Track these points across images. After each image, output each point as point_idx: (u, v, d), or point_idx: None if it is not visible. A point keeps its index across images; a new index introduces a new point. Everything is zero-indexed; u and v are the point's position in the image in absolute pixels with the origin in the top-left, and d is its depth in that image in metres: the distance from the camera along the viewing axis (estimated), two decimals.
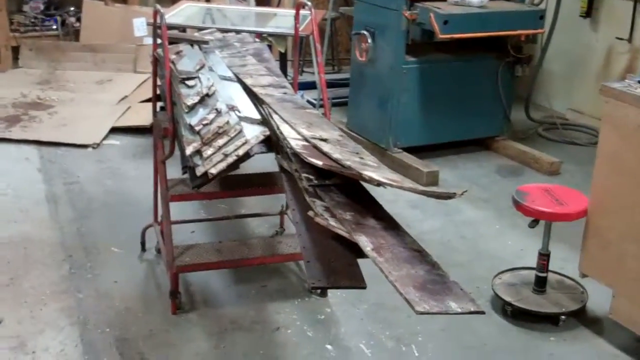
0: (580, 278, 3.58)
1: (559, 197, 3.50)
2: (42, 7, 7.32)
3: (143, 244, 4.03)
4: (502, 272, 3.81)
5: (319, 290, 3.60)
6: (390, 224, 2.28)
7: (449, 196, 2.18)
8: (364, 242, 2.12)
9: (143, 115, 5.72)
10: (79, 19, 7.26)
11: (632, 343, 3.34)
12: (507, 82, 5.55)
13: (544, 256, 3.58)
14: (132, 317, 3.47)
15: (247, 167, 3.49)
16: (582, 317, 3.55)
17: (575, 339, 3.42)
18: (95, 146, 5.46)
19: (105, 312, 3.49)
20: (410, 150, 5.32)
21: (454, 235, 4.36)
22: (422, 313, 1.81)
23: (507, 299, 3.57)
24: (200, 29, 4.49)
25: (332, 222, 2.27)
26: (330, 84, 6.48)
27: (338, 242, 2.27)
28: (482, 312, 1.88)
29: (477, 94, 5.48)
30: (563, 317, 3.49)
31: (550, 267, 3.64)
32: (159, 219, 3.78)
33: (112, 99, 6.26)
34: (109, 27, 7.03)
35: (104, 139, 5.58)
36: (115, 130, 5.72)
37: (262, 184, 3.67)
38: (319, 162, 2.49)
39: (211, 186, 3.42)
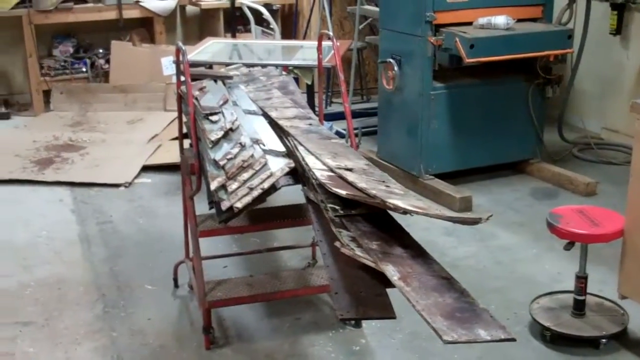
0: (619, 300, 3.49)
1: (594, 218, 3.43)
2: (71, 50, 7.45)
3: (175, 280, 4.03)
4: (540, 296, 3.74)
5: (352, 322, 3.56)
6: (417, 251, 2.24)
7: (474, 221, 2.14)
8: (391, 271, 2.09)
9: (173, 153, 5.74)
10: (108, 61, 7.36)
11: None
12: (538, 104, 5.48)
13: (582, 279, 3.50)
14: (166, 354, 3.45)
15: (276, 200, 3.48)
16: (623, 340, 3.45)
17: None
18: (127, 185, 5.49)
19: (139, 350, 3.48)
20: (442, 176, 5.26)
21: (489, 261, 4.29)
22: (450, 342, 1.76)
23: (546, 323, 3.49)
24: (226, 64, 4.51)
25: (359, 252, 2.23)
26: (360, 114, 6.50)
27: (366, 272, 2.23)
28: (513, 339, 1.82)
29: (508, 117, 5.42)
30: (604, 340, 3.40)
31: (589, 290, 3.55)
32: (190, 255, 3.77)
33: (143, 138, 6.30)
34: (138, 67, 7.11)
35: (136, 177, 5.62)
36: (146, 169, 5.76)
37: (292, 216, 3.64)
38: (342, 192, 2.47)
39: (240, 220, 3.42)
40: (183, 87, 3.48)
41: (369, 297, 2.20)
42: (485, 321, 1.85)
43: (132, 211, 5.07)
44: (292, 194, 3.39)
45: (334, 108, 6.93)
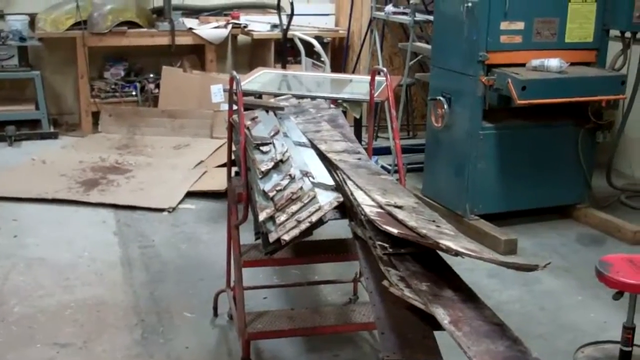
0: None
1: None
2: (122, 73, 7.55)
3: (215, 309, 4.00)
4: (585, 345, 3.65)
5: None
6: (468, 295, 2.19)
7: (530, 268, 2.08)
8: (441, 314, 2.04)
9: (218, 180, 5.76)
10: (157, 86, 7.44)
11: None
12: (587, 149, 5.41)
13: (629, 330, 3.41)
14: None
15: (320, 234, 3.45)
16: None
17: None
18: (171, 210, 5.51)
19: None
20: (487, 217, 5.20)
21: (533, 306, 4.21)
22: None
23: None
24: (276, 95, 4.52)
25: (407, 293, 2.19)
26: (405, 150, 6.44)
27: (413, 313, 2.19)
28: None
29: (557, 161, 5.35)
30: None
31: (636, 341, 3.46)
32: (232, 284, 3.75)
33: (189, 164, 6.33)
34: (187, 93, 7.17)
35: (180, 203, 5.63)
36: (191, 195, 5.77)
37: (336, 250, 3.61)
38: (394, 230, 2.43)
39: (284, 252, 3.37)
40: (234, 116, 3.48)
41: (416, 339, 2.15)
42: None
43: (175, 236, 5.07)
44: (336, 228, 3.35)
45: (380, 142, 6.91)
